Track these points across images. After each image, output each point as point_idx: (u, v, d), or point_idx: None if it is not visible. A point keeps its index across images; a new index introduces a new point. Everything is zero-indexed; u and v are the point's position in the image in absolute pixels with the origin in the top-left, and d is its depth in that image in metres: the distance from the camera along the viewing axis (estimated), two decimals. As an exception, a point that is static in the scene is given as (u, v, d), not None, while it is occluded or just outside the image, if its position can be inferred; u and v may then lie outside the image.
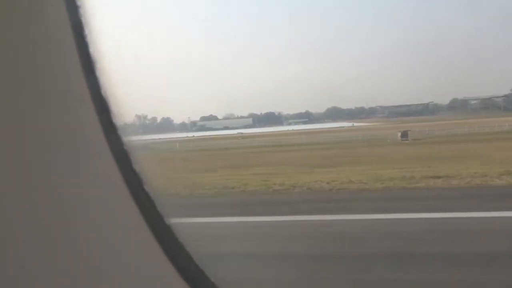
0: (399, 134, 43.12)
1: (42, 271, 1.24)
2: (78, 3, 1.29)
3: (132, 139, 1.47)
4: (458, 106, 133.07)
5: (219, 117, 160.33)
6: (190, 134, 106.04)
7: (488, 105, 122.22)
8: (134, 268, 1.40)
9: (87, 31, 1.30)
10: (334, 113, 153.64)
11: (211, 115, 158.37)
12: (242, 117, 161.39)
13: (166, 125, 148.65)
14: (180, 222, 1.61)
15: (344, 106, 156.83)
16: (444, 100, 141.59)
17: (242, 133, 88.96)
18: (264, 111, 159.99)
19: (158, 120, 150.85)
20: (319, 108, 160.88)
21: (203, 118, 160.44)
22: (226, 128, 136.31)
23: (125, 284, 1.38)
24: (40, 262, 1.23)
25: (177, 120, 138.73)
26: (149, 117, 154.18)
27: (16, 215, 1.19)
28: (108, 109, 1.36)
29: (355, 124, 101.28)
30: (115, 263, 1.36)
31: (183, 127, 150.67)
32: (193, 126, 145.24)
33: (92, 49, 1.32)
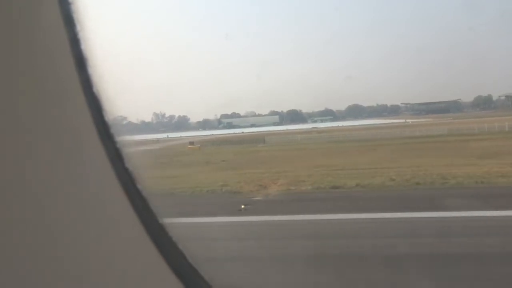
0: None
1: (36, 267, 1.23)
2: (70, 0, 1.29)
3: (125, 138, 1.46)
4: (482, 103, 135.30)
5: (241, 114, 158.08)
6: (224, 132, 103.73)
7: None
8: (128, 266, 1.41)
9: (79, 28, 1.30)
10: (356, 111, 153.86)
11: (234, 112, 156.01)
12: (260, 114, 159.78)
13: (183, 122, 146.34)
14: (174, 221, 1.64)
15: (365, 104, 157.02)
16: (468, 97, 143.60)
17: (316, 128, 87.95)
18: (285, 109, 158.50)
19: (176, 118, 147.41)
20: (339, 106, 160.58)
21: (223, 116, 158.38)
22: (253, 125, 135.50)
23: (119, 281, 1.39)
24: (33, 259, 1.22)
25: (193, 118, 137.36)
26: (166, 115, 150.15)
27: (9, 214, 1.18)
28: (100, 107, 1.36)
29: (407, 120, 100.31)
30: (109, 260, 1.37)
31: (203, 124, 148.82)
32: (219, 123, 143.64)
33: (84, 46, 1.31)
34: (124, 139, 1.45)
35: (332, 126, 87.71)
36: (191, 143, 56.19)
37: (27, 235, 1.22)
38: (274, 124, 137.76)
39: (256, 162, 32.82)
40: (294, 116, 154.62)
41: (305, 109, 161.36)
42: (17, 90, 1.20)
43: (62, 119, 1.29)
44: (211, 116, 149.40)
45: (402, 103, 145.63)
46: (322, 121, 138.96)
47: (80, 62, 1.31)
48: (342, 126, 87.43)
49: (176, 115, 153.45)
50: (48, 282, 1.26)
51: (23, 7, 1.20)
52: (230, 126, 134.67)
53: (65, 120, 1.29)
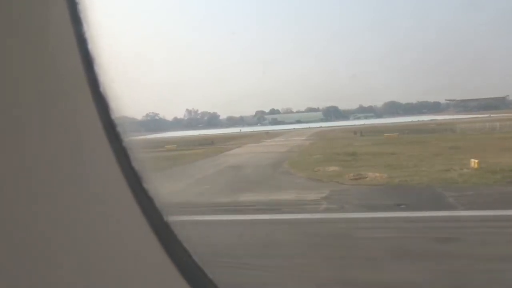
0: None
1: (40, 267, 1.23)
2: None
3: (132, 136, 1.45)
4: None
5: (280, 111, 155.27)
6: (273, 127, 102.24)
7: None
8: (133, 264, 1.40)
9: (86, 27, 1.30)
10: (393, 108, 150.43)
11: (272, 109, 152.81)
12: (291, 111, 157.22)
13: (215, 119, 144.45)
14: (179, 219, 1.62)
15: (403, 100, 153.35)
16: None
17: (436, 119, 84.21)
18: (324, 106, 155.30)
19: (208, 114, 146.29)
20: (375, 102, 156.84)
21: (259, 112, 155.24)
22: (299, 122, 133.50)
23: (124, 279, 1.38)
24: (37, 259, 1.22)
25: (223, 115, 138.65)
26: (199, 111, 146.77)
27: (14, 213, 1.19)
28: (107, 106, 1.35)
29: (491, 115, 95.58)
30: (115, 259, 1.36)
31: (239, 121, 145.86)
32: (263, 119, 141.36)
33: (91, 45, 1.31)
34: (130, 138, 1.42)
35: (439, 119, 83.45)
36: (355, 132, 54.14)
37: (32, 235, 1.19)
38: (321, 120, 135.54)
39: None
40: (334, 112, 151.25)
41: (341, 106, 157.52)
42: (23, 89, 1.18)
43: (69, 118, 1.26)
44: (250, 113, 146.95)
45: (446, 100, 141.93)
46: (366, 117, 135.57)
47: (87, 61, 1.30)
48: (449, 119, 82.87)
49: (207, 112, 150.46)
50: (52, 281, 1.24)
51: (30, 6, 1.18)
52: (275, 122, 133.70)
53: (72, 119, 1.27)
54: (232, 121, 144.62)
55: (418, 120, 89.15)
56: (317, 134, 65.83)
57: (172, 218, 1.50)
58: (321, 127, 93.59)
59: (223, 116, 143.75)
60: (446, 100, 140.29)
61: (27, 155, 1.18)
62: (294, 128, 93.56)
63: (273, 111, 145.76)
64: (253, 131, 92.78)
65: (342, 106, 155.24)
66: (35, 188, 1.20)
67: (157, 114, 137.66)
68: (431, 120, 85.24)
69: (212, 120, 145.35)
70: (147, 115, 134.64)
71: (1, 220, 1.15)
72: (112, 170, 1.34)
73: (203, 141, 59.93)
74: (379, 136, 50.10)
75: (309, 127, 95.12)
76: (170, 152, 46.64)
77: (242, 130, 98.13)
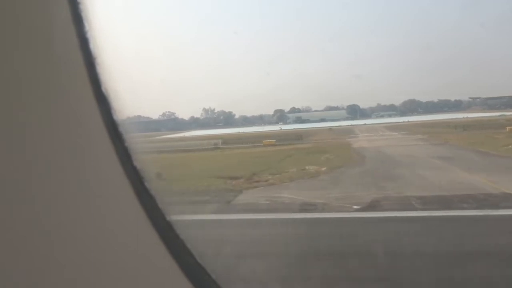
0: None
1: (44, 267, 1.23)
2: None
3: (133, 136, 1.44)
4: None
5: (300, 109, 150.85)
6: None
7: None
8: (136, 264, 1.40)
9: (88, 27, 1.30)
10: (413, 106, 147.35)
11: (293, 107, 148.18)
12: (317, 110, 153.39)
13: (230, 118, 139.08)
14: (181, 219, 1.61)
15: (423, 99, 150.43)
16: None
17: (505, 115, 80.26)
18: (344, 104, 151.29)
19: (224, 113, 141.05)
20: (394, 100, 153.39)
21: (276, 111, 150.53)
22: (323, 120, 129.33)
23: (127, 279, 1.38)
24: (41, 258, 1.22)
25: (237, 114, 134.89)
26: (216, 110, 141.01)
27: (17, 213, 1.18)
28: (109, 106, 1.35)
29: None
30: (117, 258, 1.36)
31: (258, 119, 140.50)
32: (286, 118, 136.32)
33: (93, 45, 1.31)
34: (132, 137, 1.41)
35: (508, 115, 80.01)
36: (455, 127, 50.81)
37: (32, 234, 1.19)
38: (346, 118, 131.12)
39: None
40: (358, 111, 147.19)
41: (362, 104, 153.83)
42: (26, 89, 1.18)
43: (71, 118, 1.26)
44: (268, 112, 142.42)
45: (470, 97, 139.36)
46: (389, 115, 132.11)
47: (89, 61, 1.30)
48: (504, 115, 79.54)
49: (223, 111, 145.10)
50: (53, 281, 1.23)
51: (32, 6, 1.18)
52: (300, 120, 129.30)
53: (74, 119, 1.27)
54: (248, 120, 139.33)
55: (466, 117, 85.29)
56: (400, 129, 61.19)
57: (174, 217, 1.48)
58: (365, 124, 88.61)
59: (237, 115, 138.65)
60: (469, 98, 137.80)
61: (29, 155, 1.18)
62: (340, 126, 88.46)
63: (293, 110, 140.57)
64: (294, 129, 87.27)
65: (362, 104, 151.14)
66: (36, 187, 1.19)
67: (173, 113, 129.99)
68: (500, 115, 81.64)
69: (229, 119, 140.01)
70: (163, 114, 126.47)
71: (1, 220, 1.14)
72: (114, 170, 1.33)
73: (289, 136, 55.35)
74: (484, 130, 45.73)
75: (378, 123, 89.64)
76: (271, 147, 41.33)
77: (282, 128, 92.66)
